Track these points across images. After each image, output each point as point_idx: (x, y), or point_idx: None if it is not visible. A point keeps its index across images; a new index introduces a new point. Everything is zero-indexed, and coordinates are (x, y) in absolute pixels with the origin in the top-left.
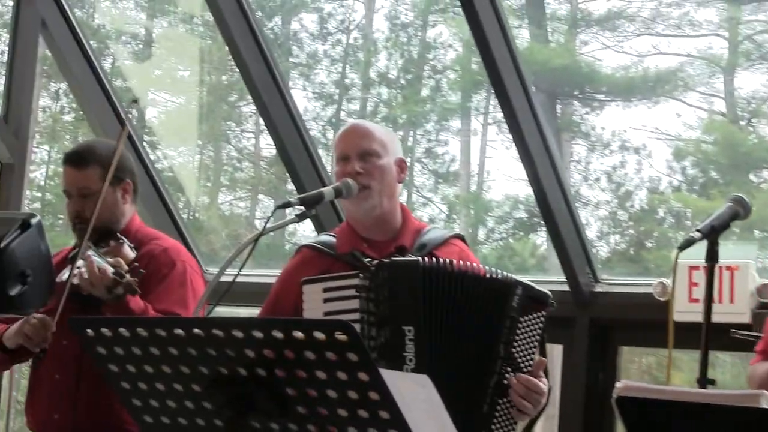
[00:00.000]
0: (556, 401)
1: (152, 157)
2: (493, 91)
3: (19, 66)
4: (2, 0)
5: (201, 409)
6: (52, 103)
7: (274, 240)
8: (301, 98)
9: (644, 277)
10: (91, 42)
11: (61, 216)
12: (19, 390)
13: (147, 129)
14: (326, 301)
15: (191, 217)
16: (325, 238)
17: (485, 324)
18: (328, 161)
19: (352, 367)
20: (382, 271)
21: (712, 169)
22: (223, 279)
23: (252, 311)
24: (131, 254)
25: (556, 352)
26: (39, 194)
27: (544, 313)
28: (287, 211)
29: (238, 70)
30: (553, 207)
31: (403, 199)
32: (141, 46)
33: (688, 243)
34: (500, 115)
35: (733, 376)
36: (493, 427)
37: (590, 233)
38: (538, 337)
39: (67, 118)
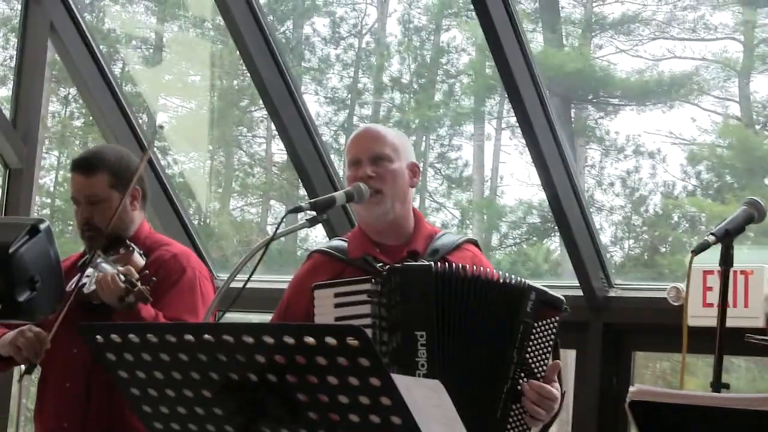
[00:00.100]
0: (569, 406)
1: (163, 162)
2: (506, 95)
3: (28, 71)
4: (10, 4)
5: (211, 415)
6: (62, 108)
7: (286, 246)
8: (313, 103)
9: (658, 282)
10: (101, 46)
11: (71, 222)
12: (28, 398)
13: (157, 135)
14: (338, 306)
15: (202, 223)
16: (336, 243)
17: (498, 329)
18: (340, 166)
19: (364, 372)
20: (394, 275)
21: (727, 174)
22: (234, 285)
23: (263, 317)
24: (141, 261)
25: (569, 357)
26: (48, 200)
27: (557, 318)
28: (299, 216)
29: (249, 74)
30: (567, 212)
31: (416, 204)
32: (151, 50)
33: (703, 247)
34: (514, 120)
35: (747, 381)
36: None
37: (604, 238)
38: (551, 342)
39: (77, 123)
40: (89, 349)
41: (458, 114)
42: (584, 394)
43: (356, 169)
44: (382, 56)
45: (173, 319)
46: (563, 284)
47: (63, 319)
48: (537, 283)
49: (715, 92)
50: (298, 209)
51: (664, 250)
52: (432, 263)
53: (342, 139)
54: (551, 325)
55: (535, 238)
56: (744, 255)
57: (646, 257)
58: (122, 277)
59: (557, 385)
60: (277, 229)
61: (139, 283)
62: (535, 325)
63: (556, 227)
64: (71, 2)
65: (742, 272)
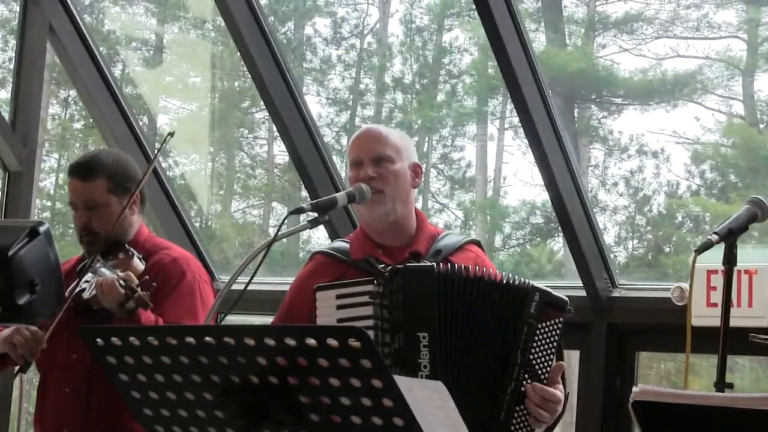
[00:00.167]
0: (573, 407)
1: (164, 165)
2: (509, 95)
3: (27, 73)
4: (9, 5)
5: (213, 418)
6: (62, 110)
7: (288, 247)
8: (315, 104)
9: (662, 282)
10: (101, 48)
11: (72, 225)
12: (29, 401)
13: (158, 137)
14: (340, 307)
15: (203, 226)
16: (338, 244)
17: (502, 330)
18: (342, 168)
19: (366, 373)
20: (396, 277)
21: (731, 173)
22: (236, 287)
23: (266, 319)
24: (141, 266)
25: (572, 358)
26: (49, 203)
27: (561, 319)
28: (300, 217)
29: (250, 76)
30: (570, 212)
31: (418, 205)
32: (151, 52)
33: (706, 246)
34: (517, 120)
35: (752, 381)
36: None
37: (608, 238)
38: (555, 344)
39: (77, 125)
40: (90, 352)
41: (461, 114)
42: (588, 395)
43: (358, 169)
44: (384, 57)
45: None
46: (567, 285)
47: (63, 324)
48: (540, 284)
49: (719, 91)
50: (299, 210)
51: (668, 250)
52: (434, 264)
53: (344, 140)
54: (555, 326)
55: (538, 239)
56: (748, 254)
57: (650, 257)
58: (122, 283)
59: (561, 386)
60: (278, 230)
61: (139, 289)
62: (539, 326)
63: (560, 228)
64: (70, 3)
65: (746, 272)
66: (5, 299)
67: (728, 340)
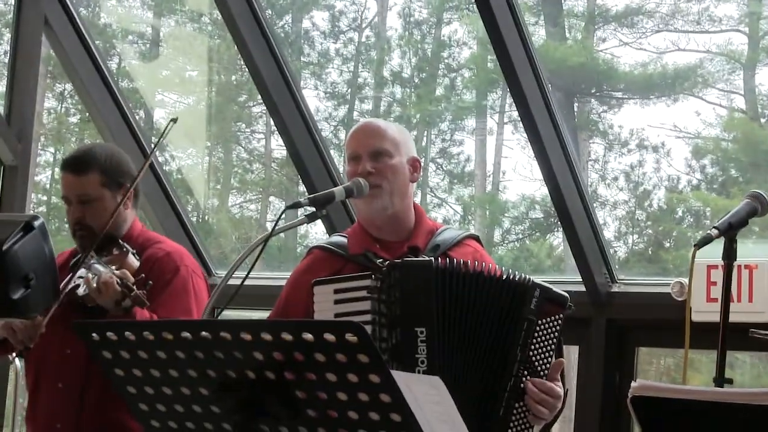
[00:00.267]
0: (572, 403)
1: (160, 159)
2: (508, 89)
3: (22, 66)
4: None
5: (209, 413)
6: (57, 104)
7: (286, 242)
8: (313, 98)
9: (663, 278)
10: (97, 42)
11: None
12: (25, 397)
13: (155, 131)
14: (337, 302)
15: (200, 220)
16: (336, 239)
17: (501, 326)
18: (340, 162)
19: (363, 368)
20: (394, 271)
21: (732, 168)
22: (232, 282)
23: (263, 314)
24: (136, 263)
25: (572, 353)
26: (44, 197)
27: (561, 315)
28: (298, 212)
29: (247, 69)
30: (570, 207)
31: (417, 199)
32: (148, 45)
33: (705, 241)
34: (516, 114)
35: (752, 377)
36: (509, 431)
37: (607, 233)
38: (555, 340)
39: (73, 119)
40: (85, 348)
41: (460, 108)
42: (587, 390)
43: (356, 164)
44: (383, 50)
45: None
46: (566, 280)
47: (56, 319)
48: (539, 279)
49: (720, 85)
50: (297, 205)
51: (668, 245)
52: (432, 259)
53: (342, 135)
54: (555, 323)
55: (537, 234)
56: (748, 249)
57: (650, 252)
58: (119, 281)
59: (560, 383)
60: (275, 225)
61: (135, 288)
62: (539, 322)
63: (559, 222)
64: None
65: (747, 266)
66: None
67: (728, 336)
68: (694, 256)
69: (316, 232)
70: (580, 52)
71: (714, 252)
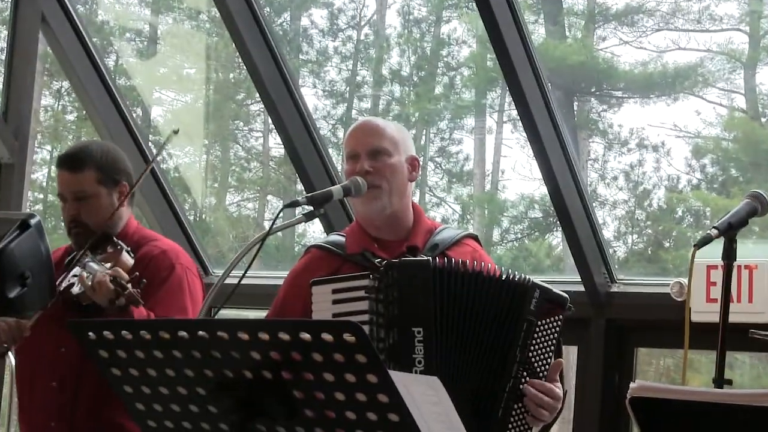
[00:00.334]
0: (570, 404)
1: (158, 157)
2: (508, 88)
3: (19, 63)
4: None
5: (206, 413)
6: (54, 102)
7: (284, 241)
8: (311, 96)
9: (662, 278)
10: (94, 39)
11: None
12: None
13: (152, 128)
14: (335, 302)
15: (198, 219)
16: (334, 238)
17: (501, 327)
18: (338, 161)
19: (361, 368)
20: (391, 271)
21: (733, 167)
22: (230, 281)
23: (260, 314)
24: (130, 261)
25: (571, 353)
26: (41, 195)
27: (561, 316)
28: (296, 210)
29: (245, 67)
30: (569, 207)
31: (415, 198)
32: (145, 43)
33: (705, 241)
34: (515, 113)
35: (752, 378)
36: None
37: (607, 233)
38: (554, 341)
39: (70, 117)
40: (80, 347)
41: (459, 107)
42: (586, 391)
43: (354, 163)
44: (382, 48)
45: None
46: (565, 280)
47: (51, 318)
48: (539, 279)
49: (720, 84)
50: (294, 204)
51: (668, 244)
52: (430, 258)
53: (340, 133)
54: (555, 324)
55: (536, 233)
56: (749, 249)
57: (649, 252)
58: (113, 280)
59: (559, 384)
60: (273, 224)
61: (129, 286)
62: (539, 323)
63: (558, 222)
64: None
65: (747, 267)
66: None
67: (728, 337)
68: (693, 256)
69: (314, 231)
70: (580, 50)
71: (714, 252)
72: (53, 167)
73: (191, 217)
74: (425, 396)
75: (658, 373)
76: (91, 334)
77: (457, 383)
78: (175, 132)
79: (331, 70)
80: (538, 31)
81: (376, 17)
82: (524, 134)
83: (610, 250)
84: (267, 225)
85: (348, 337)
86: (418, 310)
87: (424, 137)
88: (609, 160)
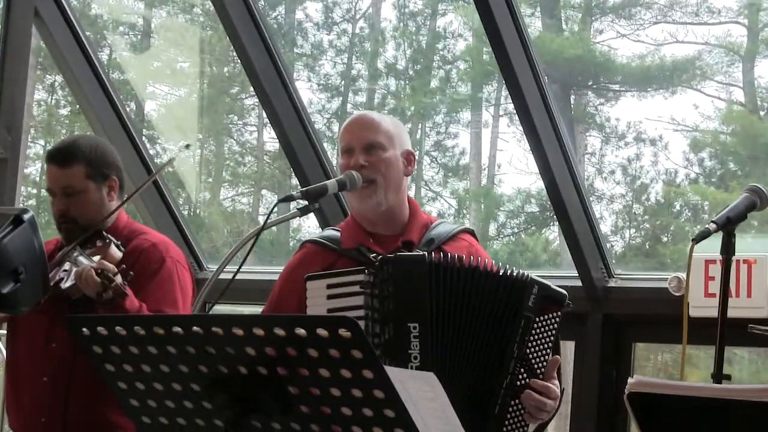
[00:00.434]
0: (568, 400)
1: (151, 151)
2: (504, 81)
3: (12, 58)
4: None
5: (200, 409)
6: (48, 96)
7: (278, 236)
8: (306, 90)
9: (660, 272)
10: (87, 33)
11: None
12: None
13: (146, 123)
14: (330, 297)
15: (192, 214)
16: (329, 233)
17: (498, 323)
18: (333, 155)
19: (357, 364)
20: (386, 266)
21: (731, 161)
22: (224, 276)
23: (255, 309)
24: (118, 254)
25: (568, 349)
26: (34, 190)
27: (559, 313)
28: (291, 205)
29: (240, 61)
30: (566, 201)
31: (411, 193)
32: (139, 36)
33: (703, 235)
34: (512, 107)
35: (751, 373)
36: (505, 430)
37: (604, 227)
38: (552, 338)
39: (63, 111)
40: (75, 342)
41: (455, 101)
42: (583, 386)
43: (349, 157)
44: (377, 42)
45: (154, 311)
46: (562, 274)
47: (41, 313)
48: (535, 274)
49: (719, 77)
50: (289, 198)
51: (665, 239)
52: (425, 253)
53: (335, 127)
54: (553, 321)
55: (533, 228)
56: (747, 244)
57: (647, 247)
58: (99, 272)
59: (556, 382)
60: (267, 218)
61: (117, 278)
62: (537, 320)
63: (555, 216)
64: None
65: (745, 261)
66: None
67: (726, 331)
68: (692, 251)
69: (309, 226)
70: (577, 43)
71: (712, 246)
72: None
73: (185, 212)
74: (421, 392)
75: (656, 368)
76: (85, 329)
77: (453, 379)
78: (187, 147)
79: (326, 63)
80: (534, 24)
81: (371, 10)
82: (521, 128)
83: (608, 245)
84: (261, 220)
85: (343, 332)
86: (413, 305)
87: (419, 131)
88: (606, 154)
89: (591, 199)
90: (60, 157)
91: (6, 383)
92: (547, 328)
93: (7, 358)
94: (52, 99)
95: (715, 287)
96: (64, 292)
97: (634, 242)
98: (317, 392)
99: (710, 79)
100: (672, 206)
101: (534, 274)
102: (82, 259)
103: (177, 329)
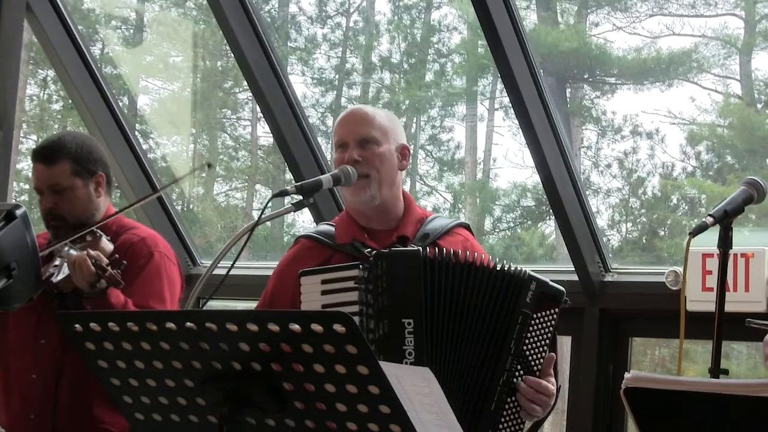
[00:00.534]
0: (564, 395)
1: (144, 146)
2: (499, 75)
3: (3, 52)
4: None
5: (194, 406)
6: (40, 91)
7: (273, 232)
8: (300, 84)
9: (657, 266)
10: (80, 27)
11: None
12: None
13: (138, 117)
14: (324, 293)
15: (185, 209)
16: (324, 228)
17: (494, 319)
18: (327, 149)
19: (351, 360)
20: (380, 261)
21: (728, 154)
22: (218, 271)
23: (249, 305)
24: (110, 246)
25: (564, 344)
26: (26, 186)
27: (557, 309)
28: (285, 200)
29: (233, 55)
30: (562, 195)
31: (406, 187)
32: (132, 30)
33: (700, 229)
34: (507, 100)
35: (748, 367)
36: (501, 427)
37: (601, 221)
38: (549, 335)
39: (56, 106)
40: (59, 338)
41: (450, 94)
42: (580, 382)
43: (343, 152)
44: (371, 35)
45: (140, 306)
46: (558, 269)
47: (30, 309)
48: (532, 268)
49: (715, 70)
50: (283, 193)
51: (662, 233)
52: (420, 248)
53: (329, 122)
54: (550, 317)
55: (529, 222)
56: (745, 237)
57: (644, 241)
58: (93, 261)
59: (553, 379)
60: (261, 213)
61: (109, 268)
62: (534, 316)
63: (551, 211)
64: None
65: (743, 255)
66: None
67: (724, 326)
68: (689, 245)
69: (303, 221)
70: (573, 36)
71: (709, 240)
72: None
73: (179, 207)
74: (416, 387)
75: (654, 363)
76: (77, 326)
77: (449, 376)
78: (209, 165)
79: (320, 57)
80: (529, 17)
81: (365, 3)
82: (516, 122)
83: (604, 239)
84: (255, 215)
85: (338, 327)
86: (407, 301)
87: (414, 125)
88: (602, 147)
89: (587, 193)
90: (45, 155)
91: None
92: (544, 324)
93: None
94: (44, 94)
95: (712, 281)
96: (55, 286)
97: (630, 236)
98: (312, 388)
99: (707, 72)
100: (669, 200)
101: (530, 268)
102: (72, 252)
103: (170, 325)
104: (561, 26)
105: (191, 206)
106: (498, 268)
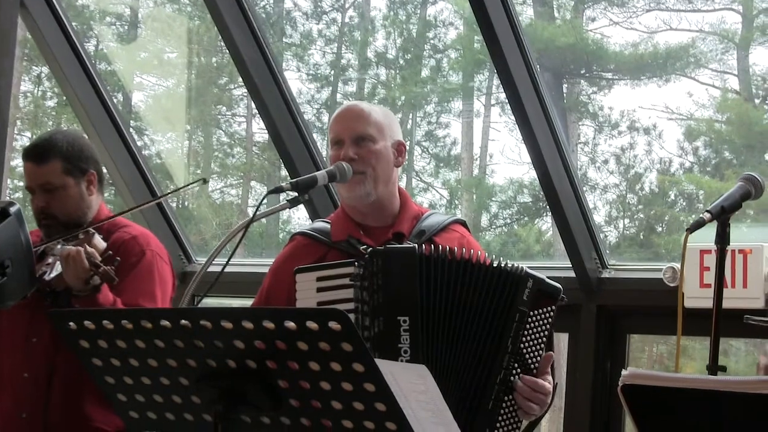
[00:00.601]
0: (562, 392)
1: (139, 143)
2: (495, 70)
3: None
4: None
5: (189, 404)
6: (34, 87)
7: (268, 228)
8: (295, 80)
9: (655, 263)
10: (74, 23)
11: None
12: None
13: (133, 114)
14: (320, 290)
15: (180, 206)
16: (319, 225)
17: (491, 317)
18: (323, 146)
19: (347, 357)
20: (376, 258)
21: (726, 150)
22: (213, 269)
23: (244, 302)
24: (102, 243)
25: (561, 340)
26: (21, 183)
27: (554, 307)
28: (280, 196)
29: (228, 51)
30: (559, 191)
31: (402, 184)
32: (126, 27)
33: (698, 225)
34: (503, 96)
35: (747, 364)
36: (498, 425)
37: (598, 218)
38: (546, 333)
39: (50, 103)
40: (51, 336)
41: (446, 90)
42: (577, 378)
43: (338, 149)
44: (367, 31)
45: (130, 305)
46: (555, 265)
47: (22, 308)
48: (528, 265)
49: (713, 65)
50: (278, 190)
51: (660, 229)
52: (416, 245)
53: (325, 118)
54: (547, 315)
55: (526, 218)
56: (742, 233)
57: (641, 237)
58: (87, 257)
59: (550, 378)
60: (256, 210)
61: (103, 264)
62: (531, 314)
63: (548, 207)
64: None
65: (741, 251)
66: None
67: (721, 322)
68: (686, 241)
69: (299, 218)
70: (569, 32)
71: (707, 236)
72: None
73: (173, 204)
74: (412, 384)
75: (651, 360)
76: (71, 324)
77: (445, 374)
78: (205, 181)
79: (315, 53)
80: (526, 12)
81: None
82: (512, 117)
83: (601, 235)
84: (251, 211)
85: (333, 325)
86: (403, 298)
87: (410, 121)
88: (599, 143)
89: (584, 188)
90: (36, 153)
91: None
92: (541, 322)
93: None
94: (38, 90)
95: (710, 277)
96: (48, 284)
97: (628, 232)
98: (307, 386)
99: (704, 67)
100: (666, 196)
101: (527, 265)
102: (67, 247)
103: (165, 323)
104: (557, 21)
105: (186, 203)
106: (494, 265)
